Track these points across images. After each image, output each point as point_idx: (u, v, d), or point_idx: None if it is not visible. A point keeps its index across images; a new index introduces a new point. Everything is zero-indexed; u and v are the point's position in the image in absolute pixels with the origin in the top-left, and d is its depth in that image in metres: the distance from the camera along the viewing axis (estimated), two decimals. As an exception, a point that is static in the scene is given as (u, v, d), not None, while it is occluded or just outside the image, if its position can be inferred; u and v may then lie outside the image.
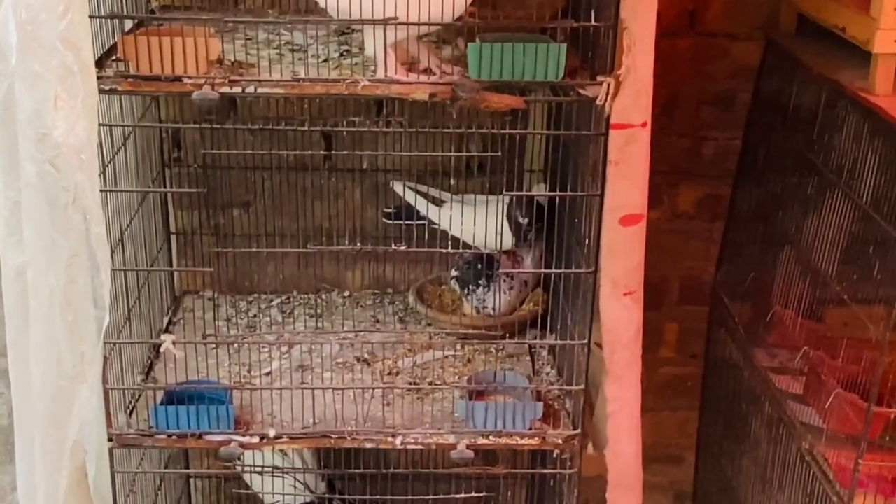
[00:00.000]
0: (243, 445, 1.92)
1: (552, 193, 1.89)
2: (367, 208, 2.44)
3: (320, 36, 2.05)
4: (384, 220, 2.34)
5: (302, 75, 1.75)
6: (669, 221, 2.59)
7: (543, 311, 2.28)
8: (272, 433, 1.93)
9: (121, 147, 1.96)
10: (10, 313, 1.75)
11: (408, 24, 1.66)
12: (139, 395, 2.02)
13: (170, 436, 1.92)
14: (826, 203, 2.02)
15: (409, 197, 2.28)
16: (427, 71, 1.79)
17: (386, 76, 1.73)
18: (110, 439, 1.91)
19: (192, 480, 2.63)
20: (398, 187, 2.31)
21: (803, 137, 2.16)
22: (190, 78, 1.69)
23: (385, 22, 1.65)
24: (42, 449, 1.78)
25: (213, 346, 2.12)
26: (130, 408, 1.99)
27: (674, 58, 2.40)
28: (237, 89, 1.71)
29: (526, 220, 2.18)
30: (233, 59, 1.86)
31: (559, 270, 1.99)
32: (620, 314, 1.84)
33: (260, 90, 1.72)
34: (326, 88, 1.72)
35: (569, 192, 1.86)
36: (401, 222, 2.25)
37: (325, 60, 1.93)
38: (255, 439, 1.93)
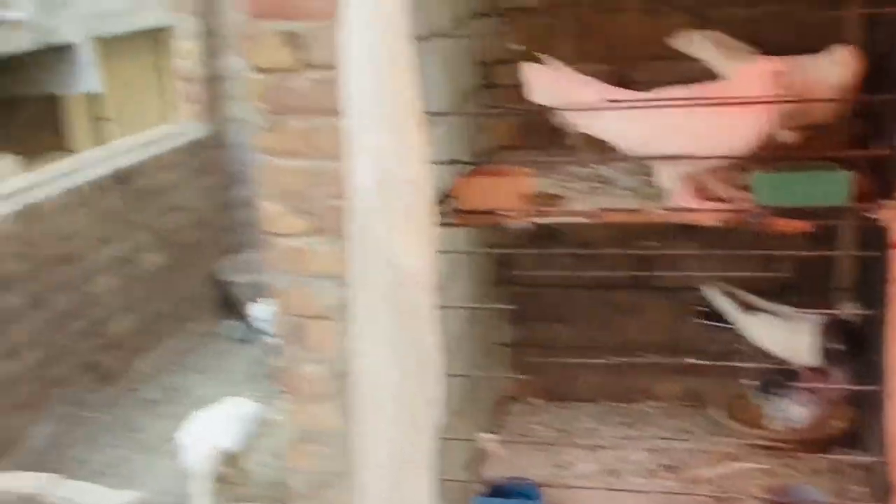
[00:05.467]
0: (552, 540, 2.15)
1: (854, 312, 1.97)
2: (675, 322, 2.61)
3: (627, 168, 2.30)
4: (695, 319, 2.46)
5: (606, 205, 2.02)
6: None
7: (853, 429, 2.32)
8: (578, 529, 2.15)
9: (455, 269, 2.30)
10: (360, 404, 2.12)
11: (694, 158, 1.89)
12: (468, 489, 2.30)
13: (496, 528, 2.20)
14: None
15: (720, 302, 2.42)
16: (718, 199, 1.98)
17: (679, 205, 1.95)
18: None
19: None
20: (709, 292, 2.45)
21: None
22: (508, 211, 2.02)
23: (674, 158, 1.88)
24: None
25: (532, 447, 2.38)
26: (457, 496, 2.29)
27: None
28: (547, 220, 2.01)
29: (838, 347, 2.25)
30: (547, 193, 2.17)
31: (861, 388, 2.04)
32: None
33: (566, 220, 2.00)
34: (624, 217, 1.97)
35: (855, 312, 1.94)
36: (711, 323, 2.41)
37: (629, 190, 2.17)
38: (562, 534, 2.16)
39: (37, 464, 4.44)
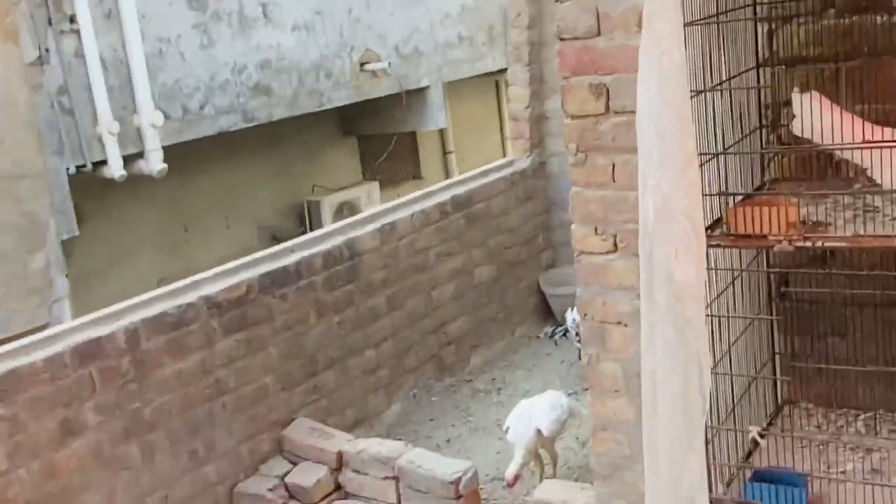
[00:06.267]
0: (811, 526, 2.28)
1: None
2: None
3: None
4: None
5: (865, 232, 2.13)
6: None
7: None
8: (839, 517, 2.26)
9: (730, 284, 2.49)
10: (645, 401, 2.35)
11: None
12: (738, 473, 2.47)
13: (756, 506, 2.36)
14: None
15: None
16: None
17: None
18: (712, 501, 2.38)
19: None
20: None
21: None
22: (774, 236, 2.19)
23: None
24: (659, 498, 2.34)
25: (804, 446, 2.50)
26: (729, 481, 2.46)
27: None
28: (808, 244, 2.16)
29: None
30: (815, 220, 2.30)
31: None
32: None
33: (826, 244, 2.14)
34: (880, 243, 2.08)
35: None
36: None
37: (894, 219, 2.25)
38: (823, 520, 2.28)
39: (390, 434, 5.02)
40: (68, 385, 3.80)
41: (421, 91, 7.79)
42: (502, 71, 8.78)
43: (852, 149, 2.23)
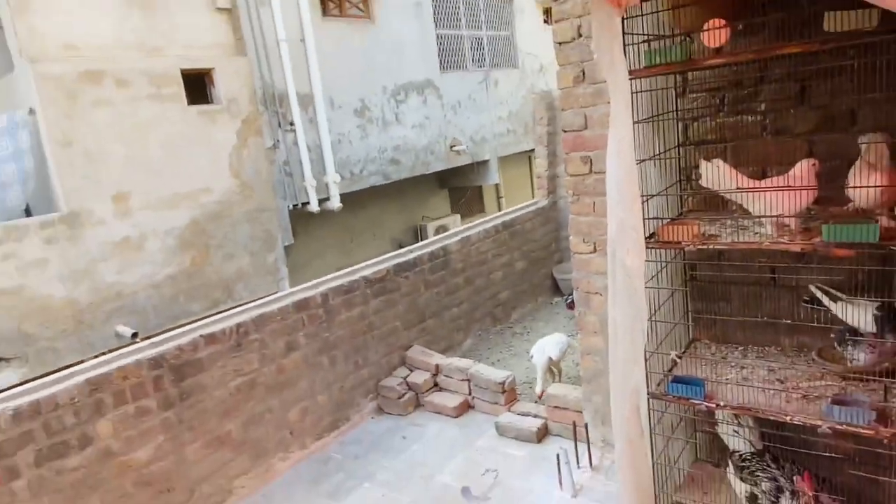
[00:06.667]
0: (707, 406, 2.29)
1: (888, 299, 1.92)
2: (794, 306, 2.58)
3: (758, 220, 2.36)
4: (803, 304, 2.43)
5: (737, 240, 2.15)
6: None
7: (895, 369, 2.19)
8: (722, 403, 2.27)
9: (660, 270, 2.52)
10: (610, 338, 2.40)
11: (780, 216, 1.97)
12: (665, 378, 2.50)
13: (675, 397, 2.38)
14: None
15: (819, 294, 2.38)
16: (794, 233, 2.03)
17: (775, 239, 2.04)
18: (649, 394, 2.43)
19: (697, 433, 2.94)
20: (813, 288, 2.41)
21: None
22: (684, 242, 2.22)
23: (771, 216, 1.98)
24: (617, 393, 2.39)
25: (702, 364, 2.51)
26: (659, 382, 2.50)
27: None
28: (703, 246, 2.18)
29: (881, 315, 2.18)
30: (710, 233, 2.32)
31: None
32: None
33: (715, 246, 2.17)
34: (747, 246, 2.09)
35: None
36: (812, 306, 2.38)
37: (757, 233, 2.25)
38: (713, 405, 2.29)
39: (465, 356, 5.08)
40: (290, 322, 4.00)
41: (485, 162, 7.87)
42: (532, 150, 8.82)
43: (733, 192, 2.25)
